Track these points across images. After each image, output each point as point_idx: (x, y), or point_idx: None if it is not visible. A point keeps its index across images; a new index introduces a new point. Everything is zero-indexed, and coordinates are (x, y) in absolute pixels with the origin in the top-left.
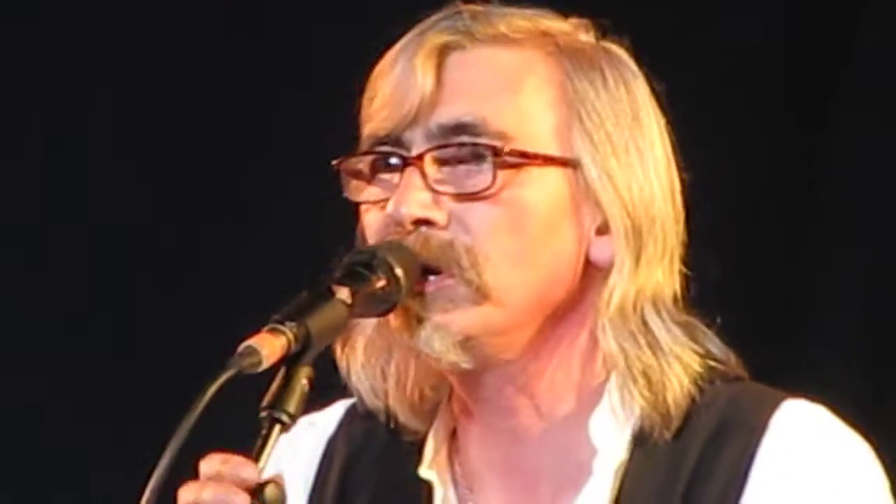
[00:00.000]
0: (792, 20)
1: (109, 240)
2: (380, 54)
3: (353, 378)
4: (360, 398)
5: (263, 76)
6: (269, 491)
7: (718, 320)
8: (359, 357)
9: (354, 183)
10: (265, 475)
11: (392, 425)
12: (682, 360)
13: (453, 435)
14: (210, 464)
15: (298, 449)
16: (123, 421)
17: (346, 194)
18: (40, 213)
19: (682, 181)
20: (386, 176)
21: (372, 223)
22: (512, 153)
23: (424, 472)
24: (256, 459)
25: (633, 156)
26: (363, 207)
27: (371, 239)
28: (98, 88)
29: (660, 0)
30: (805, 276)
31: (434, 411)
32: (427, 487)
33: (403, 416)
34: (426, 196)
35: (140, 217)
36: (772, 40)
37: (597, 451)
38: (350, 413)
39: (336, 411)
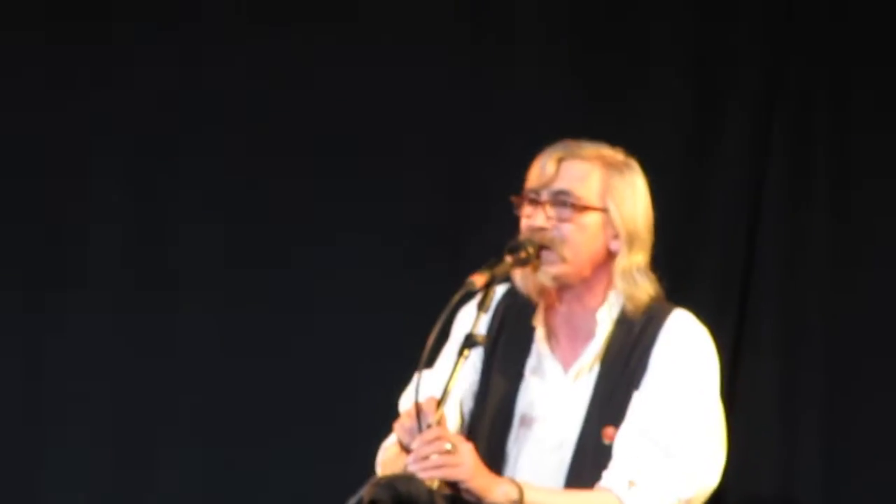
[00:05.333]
0: None
1: (384, 223)
2: (535, 157)
3: (517, 281)
4: (519, 287)
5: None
6: (478, 336)
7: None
8: (518, 276)
9: (520, 206)
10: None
11: (528, 299)
12: (648, 292)
13: (545, 310)
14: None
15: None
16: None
17: (516, 212)
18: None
19: (654, 219)
20: (531, 206)
21: (524, 226)
22: (580, 205)
23: (536, 323)
24: (472, 328)
25: (632, 208)
26: (522, 217)
27: (523, 232)
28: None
29: None
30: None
31: (542, 296)
32: (533, 330)
33: (533, 297)
34: (543, 217)
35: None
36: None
37: (598, 324)
38: (505, 294)
39: (500, 292)
